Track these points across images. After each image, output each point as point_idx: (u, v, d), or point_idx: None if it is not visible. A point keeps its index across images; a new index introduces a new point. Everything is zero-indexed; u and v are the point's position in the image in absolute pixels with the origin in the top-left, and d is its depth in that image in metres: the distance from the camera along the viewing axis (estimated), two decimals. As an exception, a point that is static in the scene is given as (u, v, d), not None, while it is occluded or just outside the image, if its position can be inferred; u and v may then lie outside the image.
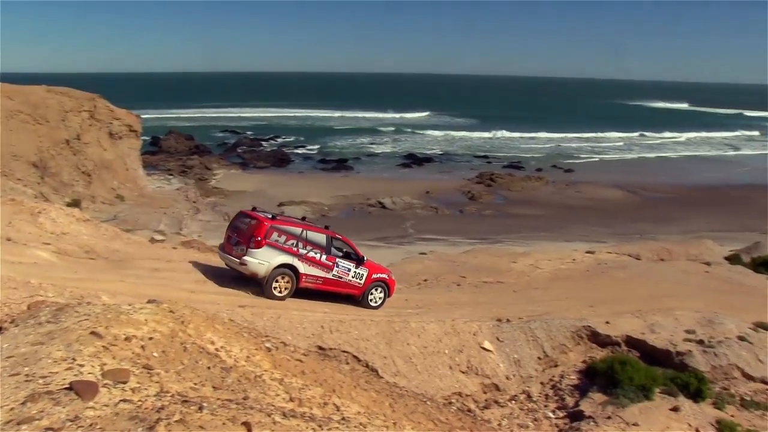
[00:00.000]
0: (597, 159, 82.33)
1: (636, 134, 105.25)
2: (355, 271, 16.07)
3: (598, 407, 13.45)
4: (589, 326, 17.10)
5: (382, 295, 16.68)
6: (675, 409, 13.38)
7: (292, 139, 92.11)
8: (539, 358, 15.87)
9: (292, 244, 15.00)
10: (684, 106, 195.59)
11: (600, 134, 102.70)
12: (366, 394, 7.83)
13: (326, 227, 16.54)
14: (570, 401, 14.42)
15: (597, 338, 16.94)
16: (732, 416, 14.32)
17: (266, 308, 14.35)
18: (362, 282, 16.22)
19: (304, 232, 15.37)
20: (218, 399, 5.05)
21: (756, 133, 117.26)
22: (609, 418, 12.92)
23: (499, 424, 13.47)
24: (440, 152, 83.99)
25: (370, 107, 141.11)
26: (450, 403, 13.81)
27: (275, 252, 14.73)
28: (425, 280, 22.89)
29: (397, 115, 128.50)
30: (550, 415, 14.09)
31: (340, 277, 15.85)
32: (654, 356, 16.55)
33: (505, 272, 23.94)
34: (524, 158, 79.73)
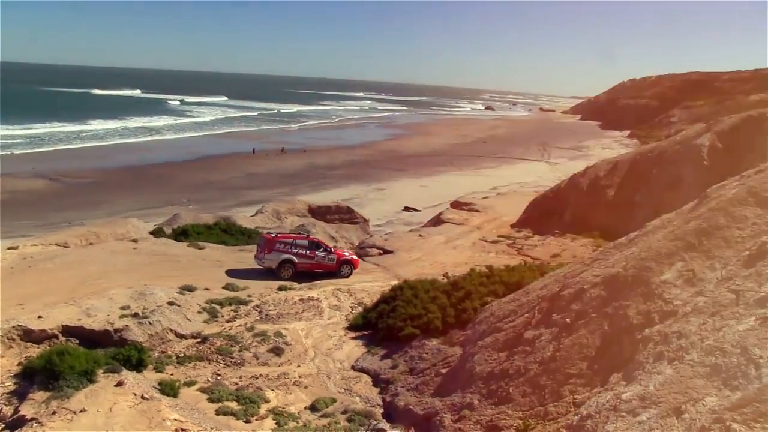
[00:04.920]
0: (17, 153, 75.11)
1: (75, 124, 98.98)
2: (328, 257, 25.50)
3: (41, 406, 12.77)
4: (20, 325, 16.06)
5: (349, 269, 25.88)
6: (120, 384, 13.70)
7: None
8: (-37, 373, 14.12)
9: (288, 248, 24.89)
10: (137, 92, 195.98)
11: (32, 127, 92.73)
12: None
13: (308, 234, 27.90)
14: (8, 411, 13.27)
15: (31, 335, 16.07)
16: (171, 375, 15.56)
17: None
18: (334, 263, 25.53)
19: (294, 241, 25.29)
20: None
21: (191, 119, 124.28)
22: (54, 413, 12.41)
23: None
24: None
25: None
26: None
27: (279, 254, 24.74)
28: None
29: None
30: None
31: (320, 262, 25.31)
32: (94, 339, 16.66)
33: None
34: None
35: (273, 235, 25.47)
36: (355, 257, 26.90)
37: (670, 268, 10.69)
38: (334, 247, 27.76)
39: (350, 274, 25.82)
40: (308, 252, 25.30)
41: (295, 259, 25.01)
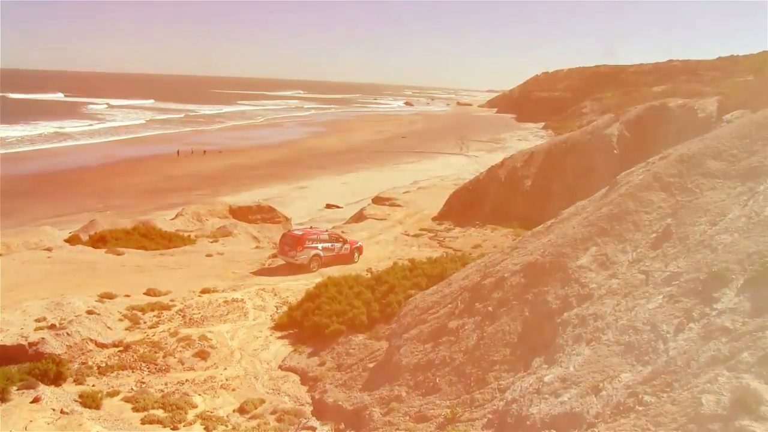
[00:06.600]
0: None
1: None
2: (344, 247, 27.48)
3: (-53, 430, 12.08)
4: None
5: (358, 254, 28.03)
6: (36, 400, 13.11)
7: None
8: None
9: (315, 243, 26.57)
10: (59, 96, 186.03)
11: None
12: None
13: (327, 230, 29.44)
14: None
15: (-65, 355, 15.11)
16: (93, 386, 14.99)
17: None
18: (349, 251, 27.59)
19: (318, 236, 27.02)
20: None
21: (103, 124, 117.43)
22: (-36, 435, 11.78)
23: None
24: None
25: None
26: None
27: (309, 250, 26.34)
28: None
29: None
30: None
31: (339, 253, 27.22)
32: (6, 355, 15.81)
33: None
34: None
35: (300, 233, 27.12)
36: (360, 243, 28.91)
37: (585, 253, 11.15)
38: (341, 233, 29.65)
39: (359, 259, 27.88)
40: (330, 245, 27.14)
41: (321, 253, 26.71)
